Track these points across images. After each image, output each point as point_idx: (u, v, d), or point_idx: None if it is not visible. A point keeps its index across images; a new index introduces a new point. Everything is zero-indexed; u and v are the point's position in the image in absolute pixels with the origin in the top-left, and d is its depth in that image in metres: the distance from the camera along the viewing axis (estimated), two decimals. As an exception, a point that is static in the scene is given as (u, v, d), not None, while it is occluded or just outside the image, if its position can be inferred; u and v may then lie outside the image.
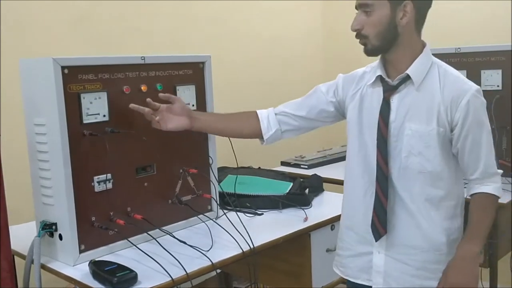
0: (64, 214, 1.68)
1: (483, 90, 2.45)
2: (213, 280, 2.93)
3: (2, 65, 1.92)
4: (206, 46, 3.10)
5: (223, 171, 2.54)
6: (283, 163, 3.13)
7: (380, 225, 1.60)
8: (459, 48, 2.62)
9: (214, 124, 1.89)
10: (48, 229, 1.72)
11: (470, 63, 2.59)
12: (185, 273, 1.61)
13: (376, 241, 1.63)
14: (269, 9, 3.60)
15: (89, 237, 1.74)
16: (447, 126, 1.55)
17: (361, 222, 1.66)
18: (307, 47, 3.94)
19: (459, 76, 1.59)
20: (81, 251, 1.72)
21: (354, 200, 1.71)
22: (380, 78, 1.63)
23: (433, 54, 2.62)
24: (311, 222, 2.08)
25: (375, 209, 1.61)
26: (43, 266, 1.72)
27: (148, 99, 1.78)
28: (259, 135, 1.86)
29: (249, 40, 3.49)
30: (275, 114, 1.85)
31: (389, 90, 1.60)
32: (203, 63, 2.07)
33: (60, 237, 1.72)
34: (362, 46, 1.59)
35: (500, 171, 1.62)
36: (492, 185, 1.58)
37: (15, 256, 1.88)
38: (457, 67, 2.55)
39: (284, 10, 3.71)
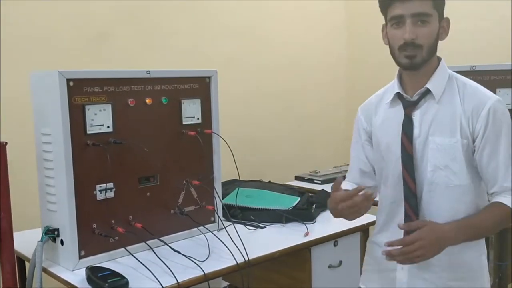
0: (66, 220, 1.76)
1: None
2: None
3: (23, 78, 2.03)
4: (227, 59, 3.15)
5: (233, 184, 2.58)
6: (297, 178, 3.15)
7: None
8: (474, 66, 2.59)
9: None
10: (51, 234, 1.80)
11: (485, 81, 2.54)
12: (176, 282, 1.64)
13: None
14: (292, 19, 3.63)
15: (89, 243, 1.80)
16: (470, 137, 1.52)
17: (390, 239, 1.55)
18: (330, 55, 3.93)
19: (478, 87, 1.57)
20: (81, 257, 1.78)
21: (385, 218, 1.68)
22: (398, 96, 1.62)
23: None
24: (312, 237, 2.09)
25: None
26: (45, 270, 1.79)
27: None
28: None
29: (272, 50, 3.52)
30: None
31: (409, 106, 1.58)
32: (209, 77, 2.13)
33: (62, 242, 1.79)
34: (407, 59, 1.52)
35: None
36: (509, 197, 1.51)
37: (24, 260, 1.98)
38: None
39: (306, 20, 3.72)
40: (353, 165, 1.81)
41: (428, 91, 1.56)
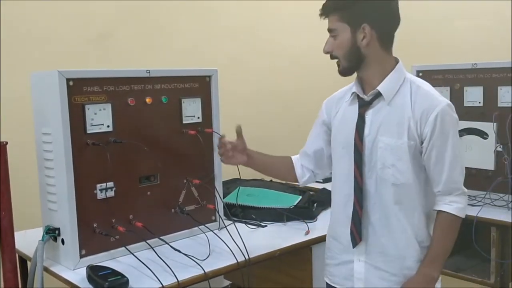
0: (66, 219, 1.76)
1: (499, 107, 2.49)
2: (224, 291, 2.95)
3: (23, 79, 2.04)
4: (228, 59, 3.15)
5: (235, 183, 2.58)
6: (299, 177, 3.13)
7: (357, 233, 1.67)
8: (475, 63, 2.58)
9: (263, 165, 1.96)
10: (52, 233, 1.80)
11: (486, 79, 2.55)
12: (176, 281, 1.65)
13: (353, 247, 1.69)
14: (293, 20, 3.63)
15: (90, 242, 1.81)
16: (417, 139, 1.60)
17: (343, 232, 1.72)
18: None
19: (431, 91, 1.64)
20: (81, 256, 1.79)
21: (337, 212, 1.78)
22: (356, 96, 1.70)
23: (450, 70, 2.65)
24: (313, 235, 2.09)
25: (352, 219, 1.68)
26: (46, 269, 1.80)
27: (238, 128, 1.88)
28: (295, 179, 1.96)
29: (273, 51, 3.52)
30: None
31: (364, 106, 1.68)
32: (209, 76, 2.13)
33: (63, 241, 1.80)
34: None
35: (466, 190, 1.65)
36: (454, 205, 1.62)
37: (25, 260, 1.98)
38: (474, 83, 2.58)
39: (308, 20, 3.71)
40: (309, 144, 1.93)
41: (380, 93, 1.64)
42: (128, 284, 1.61)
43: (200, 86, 2.11)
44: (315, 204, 2.44)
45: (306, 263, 2.07)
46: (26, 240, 1.95)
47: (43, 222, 1.90)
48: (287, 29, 3.61)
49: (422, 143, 1.61)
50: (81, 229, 1.78)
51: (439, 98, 1.61)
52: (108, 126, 1.83)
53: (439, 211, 1.64)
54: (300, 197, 2.45)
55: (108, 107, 1.83)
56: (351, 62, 1.64)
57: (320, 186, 2.89)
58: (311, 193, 2.55)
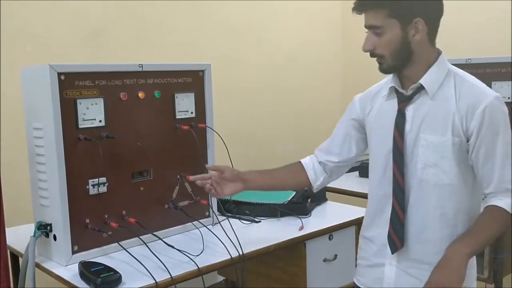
0: (58, 215, 1.74)
1: None
2: (218, 287, 2.95)
3: (15, 74, 2.02)
4: (219, 55, 3.14)
5: (228, 179, 2.56)
6: (293, 172, 3.13)
7: (397, 238, 1.56)
8: (469, 59, 2.58)
9: (263, 182, 1.84)
10: (44, 229, 1.79)
11: (480, 74, 2.54)
12: (170, 276, 1.64)
13: (392, 253, 1.59)
14: (288, 16, 3.63)
15: (82, 238, 1.79)
16: (463, 136, 1.49)
17: (379, 234, 1.63)
18: (327, 51, 3.94)
19: (477, 83, 1.53)
20: (74, 252, 1.77)
21: (373, 213, 1.68)
22: (394, 90, 1.61)
23: None
24: (307, 231, 2.08)
25: (391, 222, 1.58)
26: (37, 265, 1.78)
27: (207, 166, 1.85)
28: (307, 185, 1.85)
29: (268, 47, 3.51)
30: (319, 162, 1.83)
31: (403, 101, 1.57)
32: (203, 71, 2.11)
33: (55, 237, 1.78)
34: (378, 64, 1.57)
35: None
36: (506, 200, 1.49)
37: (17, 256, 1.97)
38: None
39: (303, 17, 3.72)
40: (335, 136, 1.80)
41: (422, 87, 1.54)
42: (121, 280, 1.59)
43: (194, 80, 2.09)
44: (309, 200, 2.43)
45: (300, 258, 2.06)
46: (18, 236, 1.93)
47: (34, 218, 1.88)
48: (284, 25, 3.60)
49: (468, 140, 1.49)
50: (73, 225, 1.76)
51: (487, 90, 1.49)
52: (100, 121, 1.82)
53: (489, 205, 1.50)
54: (294, 192, 2.44)
55: (100, 101, 1.81)
56: (399, 60, 1.52)
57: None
58: (305, 189, 2.53)
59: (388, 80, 1.65)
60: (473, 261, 1.60)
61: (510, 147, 1.49)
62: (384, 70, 1.56)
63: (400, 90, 1.58)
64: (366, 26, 1.53)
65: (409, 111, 1.56)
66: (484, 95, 1.48)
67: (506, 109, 1.50)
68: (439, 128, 1.51)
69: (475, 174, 1.53)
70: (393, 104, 1.60)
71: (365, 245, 1.72)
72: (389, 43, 1.50)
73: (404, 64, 1.53)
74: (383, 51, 1.52)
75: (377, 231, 1.64)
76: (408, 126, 1.55)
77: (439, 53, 1.57)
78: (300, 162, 1.85)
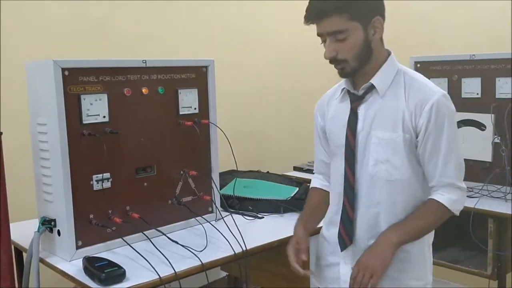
0: (62, 210, 1.75)
1: (496, 98, 2.49)
2: (221, 282, 2.95)
3: (18, 69, 2.02)
4: (220, 53, 3.13)
5: (232, 175, 2.57)
6: (296, 168, 3.14)
7: (346, 236, 1.60)
8: (473, 55, 2.57)
9: (316, 224, 1.80)
10: (48, 224, 1.79)
11: (484, 70, 2.54)
12: (173, 271, 1.64)
13: (341, 251, 1.62)
14: (282, 18, 3.62)
15: (86, 233, 1.80)
16: (413, 132, 1.53)
17: (333, 233, 1.66)
18: (320, 56, 3.93)
19: (426, 82, 1.57)
20: (78, 247, 1.78)
21: (330, 212, 1.72)
22: (347, 91, 1.63)
23: (448, 61, 2.64)
24: (310, 227, 2.08)
25: (342, 220, 1.61)
26: (42, 261, 1.78)
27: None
28: None
29: (263, 48, 3.51)
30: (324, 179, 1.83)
31: (355, 101, 1.60)
32: (206, 67, 2.11)
33: (59, 233, 1.79)
34: (339, 70, 1.57)
35: (464, 186, 1.57)
36: (446, 195, 1.53)
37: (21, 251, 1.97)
38: (472, 74, 2.57)
39: (297, 18, 3.72)
40: (316, 156, 1.84)
41: (373, 86, 1.57)
42: (125, 275, 1.60)
43: (197, 76, 2.09)
44: (312, 196, 2.42)
45: (303, 254, 2.06)
46: (22, 231, 1.94)
47: (38, 213, 1.88)
48: (283, 26, 3.60)
49: (417, 136, 1.53)
50: (77, 220, 1.77)
51: (434, 88, 1.54)
52: (104, 117, 1.82)
53: (428, 199, 1.56)
54: (297, 188, 2.44)
55: (104, 97, 1.81)
56: (362, 61, 1.53)
57: (317, 177, 2.88)
58: (308, 185, 2.53)
59: (340, 84, 1.69)
60: (429, 254, 1.65)
61: (454, 144, 1.54)
62: (347, 74, 1.57)
63: (352, 91, 1.62)
64: (326, 33, 1.51)
65: (361, 110, 1.59)
66: (431, 93, 1.52)
67: (453, 107, 1.55)
68: (390, 125, 1.54)
69: (423, 169, 1.57)
70: (347, 105, 1.63)
71: (321, 244, 1.75)
72: (353, 46, 1.51)
73: (365, 64, 1.55)
74: (346, 55, 1.52)
75: (333, 230, 1.67)
76: (360, 125, 1.58)
77: (389, 53, 1.60)
78: (314, 187, 1.84)
